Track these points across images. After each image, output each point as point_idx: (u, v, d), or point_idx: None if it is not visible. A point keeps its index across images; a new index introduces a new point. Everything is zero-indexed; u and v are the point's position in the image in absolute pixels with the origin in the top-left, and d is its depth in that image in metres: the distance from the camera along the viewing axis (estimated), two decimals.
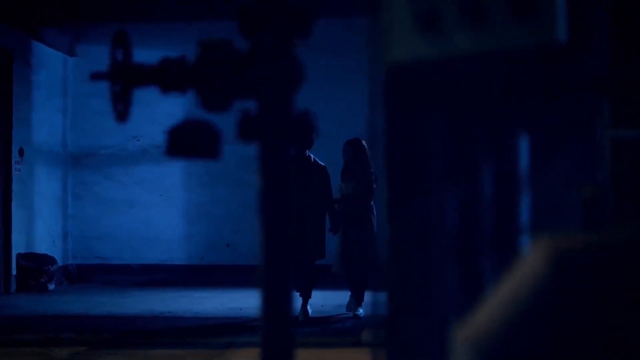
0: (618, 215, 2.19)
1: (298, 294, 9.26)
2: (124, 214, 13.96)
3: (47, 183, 13.42)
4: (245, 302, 10.37)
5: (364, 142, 9.53)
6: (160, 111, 13.00)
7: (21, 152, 12.57)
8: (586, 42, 2.13)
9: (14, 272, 12.24)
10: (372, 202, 9.48)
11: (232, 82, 2.51)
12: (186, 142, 2.54)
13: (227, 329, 8.59)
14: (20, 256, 12.36)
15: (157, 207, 13.92)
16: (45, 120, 13.31)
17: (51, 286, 12.44)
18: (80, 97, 13.91)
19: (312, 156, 9.42)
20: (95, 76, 2.59)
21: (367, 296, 9.63)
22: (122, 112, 2.57)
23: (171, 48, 12.71)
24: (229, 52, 2.51)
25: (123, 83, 2.54)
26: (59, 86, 13.80)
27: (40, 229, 13.11)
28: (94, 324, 9.03)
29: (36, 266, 12.32)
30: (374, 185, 9.32)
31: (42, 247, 12.99)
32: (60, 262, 13.18)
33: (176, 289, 12.46)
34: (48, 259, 12.60)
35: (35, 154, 13.01)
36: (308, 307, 9.46)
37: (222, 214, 13.08)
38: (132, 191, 13.97)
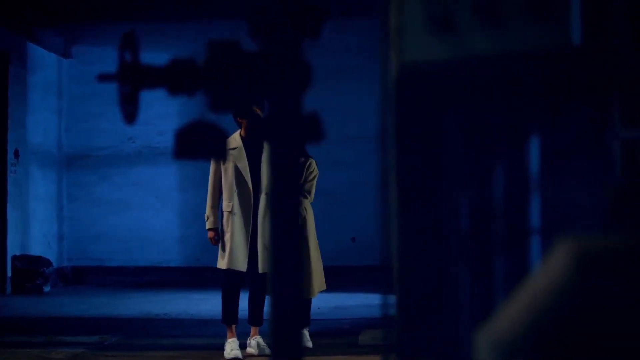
0: (630, 216, 2.19)
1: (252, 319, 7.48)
2: (119, 215, 13.94)
3: (42, 184, 13.39)
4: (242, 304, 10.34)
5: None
6: (153, 113, 12.98)
7: (16, 154, 12.54)
8: (603, 42, 2.13)
9: (9, 274, 12.21)
10: None
11: (241, 83, 2.50)
12: (194, 144, 2.53)
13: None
14: (15, 258, 12.33)
15: (152, 208, 13.90)
16: (40, 122, 13.28)
17: (46, 288, 12.41)
18: (75, 98, 13.89)
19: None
20: (103, 77, 2.58)
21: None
22: (130, 113, 2.56)
23: (168, 49, 12.72)
24: (239, 53, 2.51)
25: (132, 85, 2.54)
26: (54, 88, 13.77)
27: (35, 230, 13.08)
28: (90, 326, 9.01)
29: (31, 268, 12.28)
30: None
31: (37, 248, 12.96)
32: (55, 264, 13.14)
33: (172, 290, 12.43)
34: (43, 261, 12.56)
35: (31, 155, 12.97)
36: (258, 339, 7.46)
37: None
38: (127, 192, 13.95)
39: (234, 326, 7.38)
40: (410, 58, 2.16)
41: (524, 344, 1.24)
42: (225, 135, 2.55)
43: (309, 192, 7.57)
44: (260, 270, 7.16)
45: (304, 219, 7.59)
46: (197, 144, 2.53)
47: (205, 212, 7.57)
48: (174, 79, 2.52)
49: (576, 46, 1.87)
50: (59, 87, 13.90)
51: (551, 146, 2.25)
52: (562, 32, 1.87)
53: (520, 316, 1.29)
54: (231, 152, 7.32)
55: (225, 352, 7.25)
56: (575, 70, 1.99)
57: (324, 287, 7.79)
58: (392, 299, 2.37)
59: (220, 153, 2.53)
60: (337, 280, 11.05)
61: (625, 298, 1.20)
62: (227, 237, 7.34)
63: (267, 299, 7.45)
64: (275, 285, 2.46)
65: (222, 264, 7.34)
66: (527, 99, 2.16)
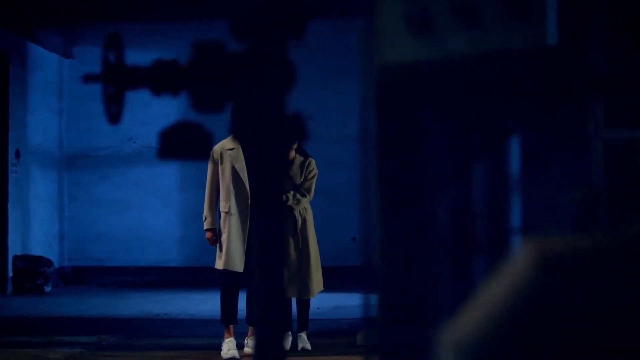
0: (612, 215, 2.19)
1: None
2: (119, 215, 13.95)
3: (43, 184, 13.41)
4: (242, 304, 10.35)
5: None
6: (153, 113, 12.99)
7: (17, 154, 12.56)
8: (581, 43, 2.13)
9: (10, 274, 12.23)
10: None
11: (225, 84, 2.51)
12: (178, 144, 2.54)
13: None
14: (16, 258, 12.35)
15: (152, 208, 13.91)
16: (41, 122, 13.30)
17: (47, 288, 12.43)
18: (76, 98, 13.90)
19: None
20: (88, 78, 2.58)
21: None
22: (115, 114, 2.57)
23: (168, 49, 12.72)
24: (222, 53, 2.51)
25: (116, 85, 2.54)
26: (54, 88, 13.79)
27: (36, 230, 13.10)
28: (90, 326, 9.02)
29: (32, 268, 12.30)
30: None
31: (38, 248, 12.98)
32: (56, 264, 13.16)
33: (172, 290, 12.45)
34: (44, 261, 12.58)
35: (31, 155, 12.99)
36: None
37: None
38: (127, 192, 13.96)
39: (232, 326, 7.38)
40: (390, 59, 2.16)
41: (486, 344, 1.25)
42: (209, 136, 2.55)
43: (308, 191, 7.59)
44: None
45: (304, 219, 7.58)
46: (181, 144, 2.54)
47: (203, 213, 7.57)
48: (158, 79, 2.53)
49: (552, 47, 1.87)
50: (60, 87, 13.92)
51: (532, 146, 2.25)
52: (538, 33, 1.87)
53: (483, 316, 1.29)
54: (229, 152, 7.31)
55: (222, 352, 7.26)
56: (552, 71, 1.99)
57: (322, 288, 7.78)
58: (374, 299, 2.38)
59: (204, 153, 2.54)
60: (337, 280, 11.04)
61: (587, 298, 1.21)
62: (224, 237, 7.35)
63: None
64: (258, 287, 2.46)
65: (219, 264, 7.37)
66: (508, 99, 2.16)
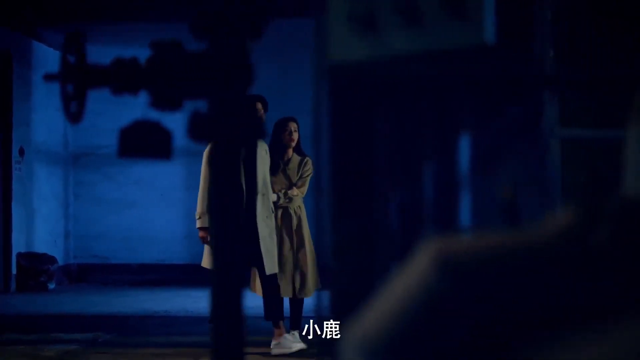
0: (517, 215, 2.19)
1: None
2: (124, 213, 14.00)
3: (47, 182, 13.46)
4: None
5: None
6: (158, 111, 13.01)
7: (21, 152, 12.61)
8: (526, 41, 2.13)
9: (14, 271, 12.28)
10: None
11: (183, 82, 2.52)
12: (137, 143, 2.55)
13: None
14: (20, 256, 12.40)
15: (156, 206, 13.95)
16: (45, 120, 13.35)
17: (51, 285, 12.47)
18: None
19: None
20: (48, 77, 2.59)
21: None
22: (76, 113, 2.58)
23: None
24: (181, 53, 2.52)
25: (75, 84, 2.55)
26: (59, 86, 13.82)
27: (40, 228, 13.15)
28: (88, 323, 9.05)
29: (36, 265, 12.35)
30: None
31: (43, 246, 13.03)
32: (61, 262, 13.21)
33: (174, 288, 12.48)
34: (48, 259, 12.63)
35: (36, 153, 13.04)
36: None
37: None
38: (131, 190, 14.00)
39: None
40: (338, 57, 2.17)
41: (388, 342, 1.26)
42: (169, 135, 2.56)
43: (300, 187, 7.63)
44: (267, 272, 7.16)
45: (299, 218, 7.59)
46: (140, 143, 2.55)
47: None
48: (117, 78, 2.54)
49: (490, 46, 1.88)
50: None
51: (483, 145, 2.26)
52: (476, 32, 1.88)
53: (385, 314, 1.30)
54: None
55: None
56: (492, 70, 2.00)
57: (319, 286, 7.79)
58: (327, 298, 2.39)
59: (163, 152, 2.55)
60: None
61: (482, 301, 1.22)
62: None
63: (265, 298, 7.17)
64: (216, 284, 2.47)
65: (208, 263, 7.39)
66: (453, 97, 2.16)
